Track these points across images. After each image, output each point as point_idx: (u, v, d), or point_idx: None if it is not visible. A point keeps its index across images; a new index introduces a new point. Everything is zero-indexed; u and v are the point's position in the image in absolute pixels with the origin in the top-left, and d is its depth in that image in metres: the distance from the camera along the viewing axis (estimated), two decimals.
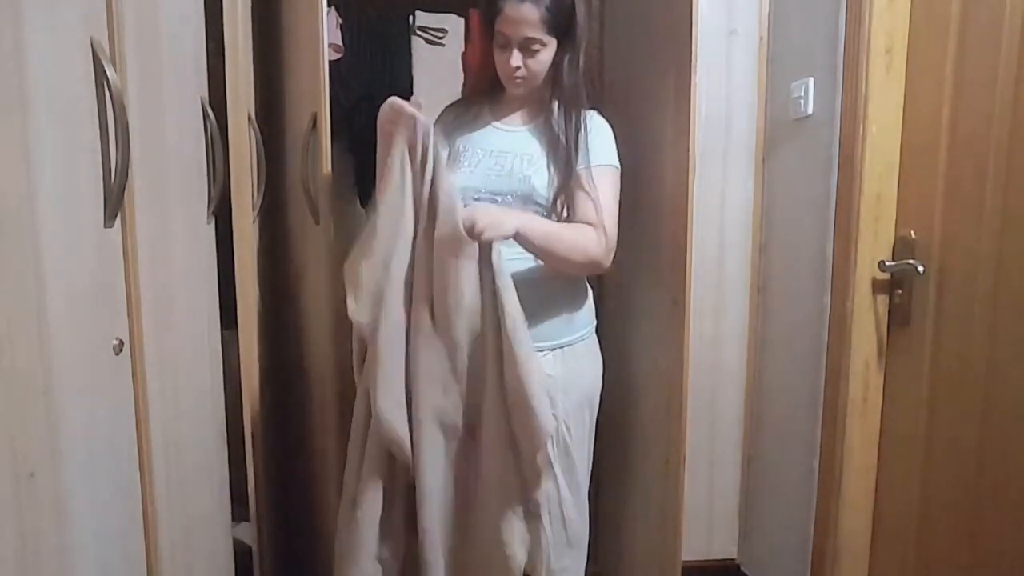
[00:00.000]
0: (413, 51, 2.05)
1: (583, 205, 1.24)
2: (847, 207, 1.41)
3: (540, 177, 1.24)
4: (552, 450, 1.26)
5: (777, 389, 1.70)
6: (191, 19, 1.23)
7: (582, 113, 1.27)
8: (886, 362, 1.42)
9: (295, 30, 1.42)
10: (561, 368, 1.28)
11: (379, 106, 1.14)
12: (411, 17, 2.06)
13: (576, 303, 1.32)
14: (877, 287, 1.40)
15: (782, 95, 1.63)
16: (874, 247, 1.39)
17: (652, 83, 1.42)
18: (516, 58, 1.22)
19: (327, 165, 1.30)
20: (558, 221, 1.26)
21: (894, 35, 1.34)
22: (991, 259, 1.16)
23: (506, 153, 1.27)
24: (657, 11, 1.37)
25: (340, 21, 1.86)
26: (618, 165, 1.30)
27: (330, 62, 1.33)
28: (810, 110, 1.53)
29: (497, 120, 1.33)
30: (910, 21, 1.34)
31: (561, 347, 1.28)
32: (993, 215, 1.16)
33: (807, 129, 1.55)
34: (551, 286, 1.28)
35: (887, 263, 1.36)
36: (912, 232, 1.34)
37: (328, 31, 1.34)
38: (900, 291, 1.38)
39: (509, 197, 1.25)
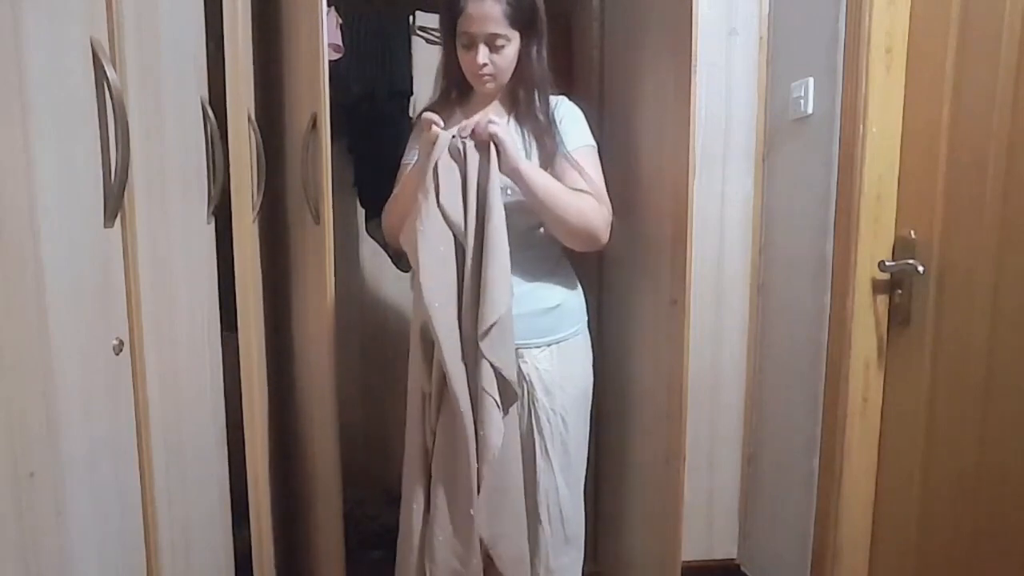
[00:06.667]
0: (413, 51, 2.05)
1: (575, 184, 1.26)
2: (847, 207, 1.41)
3: None
4: (550, 447, 1.27)
5: (777, 389, 1.70)
6: (191, 19, 1.23)
7: (550, 100, 1.31)
8: (886, 362, 1.42)
9: (295, 30, 1.42)
10: (557, 363, 1.28)
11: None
12: (411, 17, 2.06)
13: (570, 299, 1.33)
14: (877, 287, 1.40)
15: (782, 95, 1.63)
16: (874, 247, 1.39)
17: (652, 83, 1.42)
18: (483, 55, 1.23)
19: (327, 165, 1.30)
20: None
21: (894, 35, 1.34)
22: (991, 259, 1.16)
23: None
24: (657, 11, 1.37)
25: (340, 21, 1.86)
26: (594, 143, 1.33)
27: (330, 62, 1.33)
28: (810, 110, 1.53)
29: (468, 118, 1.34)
30: (910, 21, 1.34)
31: (557, 342, 1.29)
32: (993, 215, 1.16)
33: (807, 129, 1.55)
34: (546, 282, 1.29)
35: (887, 263, 1.36)
36: (912, 232, 1.34)
37: (328, 31, 1.34)
38: (900, 291, 1.38)
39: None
